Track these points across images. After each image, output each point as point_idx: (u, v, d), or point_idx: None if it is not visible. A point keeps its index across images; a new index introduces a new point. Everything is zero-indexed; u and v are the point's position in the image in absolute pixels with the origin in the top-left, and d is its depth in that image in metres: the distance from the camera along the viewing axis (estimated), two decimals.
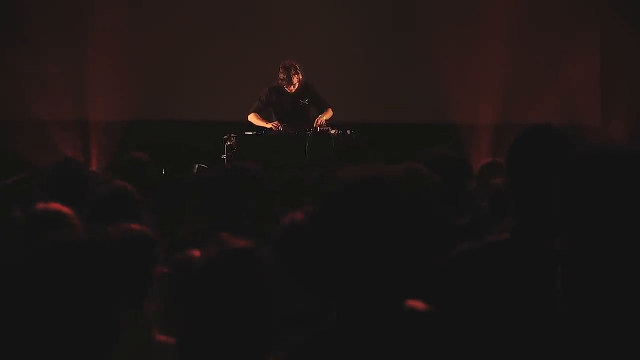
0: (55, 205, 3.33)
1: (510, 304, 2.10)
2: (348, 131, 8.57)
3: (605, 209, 1.72)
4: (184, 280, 2.26)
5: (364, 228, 1.60)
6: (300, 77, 8.76)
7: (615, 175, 1.75)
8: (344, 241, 1.61)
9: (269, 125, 8.75)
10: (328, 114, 8.71)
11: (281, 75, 8.75)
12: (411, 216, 1.59)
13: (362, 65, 10.31)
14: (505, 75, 10.35)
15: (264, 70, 9.95)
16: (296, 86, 8.77)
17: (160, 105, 10.30)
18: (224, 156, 8.69)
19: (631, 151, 1.76)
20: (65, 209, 3.29)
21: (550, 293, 1.82)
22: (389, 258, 1.58)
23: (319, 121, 8.60)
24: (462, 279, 2.21)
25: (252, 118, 8.88)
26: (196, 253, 2.56)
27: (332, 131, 8.52)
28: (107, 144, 10.21)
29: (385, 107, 10.38)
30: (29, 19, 10.03)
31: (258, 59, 10.14)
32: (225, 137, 8.73)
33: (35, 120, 9.96)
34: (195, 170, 8.98)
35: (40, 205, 3.37)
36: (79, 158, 5.49)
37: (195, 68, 10.33)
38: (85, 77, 10.17)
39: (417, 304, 1.66)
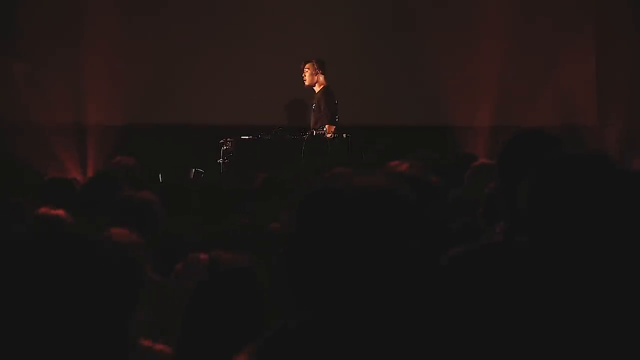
0: (54, 210, 3.37)
1: (504, 307, 2.12)
2: (344, 134, 8.60)
3: (567, 210, 1.83)
4: (182, 291, 2.29)
5: (334, 233, 1.61)
6: (308, 72, 8.84)
7: (574, 178, 1.85)
8: (313, 247, 1.62)
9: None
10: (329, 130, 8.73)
11: None
12: (387, 221, 1.60)
13: (357, 67, 10.31)
14: (501, 77, 10.36)
15: (261, 74, 9.99)
16: (307, 81, 8.87)
17: (157, 109, 10.30)
18: (220, 160, 8.71)
19: (592, 156, 1.88)
20: (63, 213, 3.33)
21: (543, 294, 1.85)
22: (361, 261, 1.59)
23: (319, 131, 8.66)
24: (456, 281, 2.23)
25: None
26: (198, 258, 2.58)
27: (328, 135, 8.55)
28: (103, 148, 10.21)
29: (380, 109, 10.38)
30: (25, 23, 10.04)
31: (255, 62, 10.16)
32: (222, 141, 8.75)
33: (32, 124, 9.96)
34: (193, 175, 9.00)
35: (41, 210, 3.41)
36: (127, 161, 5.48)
37: (191, 72, 10.33)
38: (81, 80, 10.16)
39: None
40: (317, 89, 8.90)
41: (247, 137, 8.72)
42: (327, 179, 1.67)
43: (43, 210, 3.53)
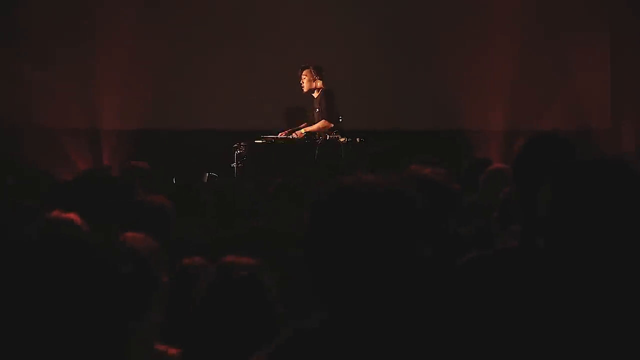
0: (68, 214, 3.38)
1: (520, 311, 2.11)
2: (357, 139, 8.60)
3: (589, 215, 1.82)
4: (188, 295, 2.28)
5: (347, 236, 1.61)
6: (306, 78, 8.88)
7: (596, 183, 1.85)
8: (329, 247, 1.62)
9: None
10: (314, 127, 8.76)
11: None
12: (396, 223, 1.61)
13: (369, 72, 10.32)
14: (514, 80, 10.34)
15: (274, 78, 10.01)
16: (305, 88, 8.91)
17: (172, 114, 10.34)
18: (234, 164, 8.72)
19: (613, 161, 1.87)
20: (77, 218, 3.33)
21: (563, 299, 1.85)
22: (375, 263, 1.59)
23: (298, 134, 8.71)
24: (471, 286, 2.22)
25: None
26: (198, 261, 2.57)
27: (342, 139, 8.55)
28: (119, 152, 10.25)
29: (393, 114, 10.38)
30: (37, 26, 10.09)
31: (269, 66, 10.19)
32: (235, 145, 8.77)
33: (44, 128, 10.01)
34: (206, 179, 9.02)
35: (53, 213, 3.42)
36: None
37: (205, 76, 10.36)
38: (95, 85, 10.22)
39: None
40: (316, 94, 8.92)
41: (260, 141, 8.73)
42: (341, 182, 1.67)
43: (55, 213, 3.54)
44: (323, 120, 8.76)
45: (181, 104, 10.33)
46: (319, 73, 8.95)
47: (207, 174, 9.08)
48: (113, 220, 3.61)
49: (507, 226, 3.16)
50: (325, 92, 8.88)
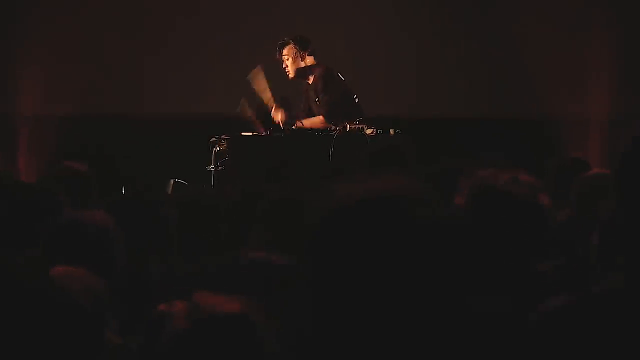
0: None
1: None
2: (391, 130, 8.58)
3: None
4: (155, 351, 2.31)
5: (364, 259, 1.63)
6: (289, 59, 8.87)
7: None
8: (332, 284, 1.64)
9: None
10: (306, 122, 8.77)
11: None
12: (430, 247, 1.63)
13: (439, 52, 10.54)
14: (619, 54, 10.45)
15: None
16: (291, 73, 8.88)
17: (113, 93, 10.45)
18: (211, 167, 8.71)
19: None
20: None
21: None
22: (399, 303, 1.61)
23: (299, 123, 8.73)
24: (555, 345, 2.23)
25: None
26: (171, 307, 2.61)
27: (368, 130, 8.54)
28: (39, 145, 10.37)
29: (463, 99, 10.52)
30: None
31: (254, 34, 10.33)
32: (213, 139, 8.75)
33: None
34: (170, 189, 9.03)
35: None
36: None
37: (165, 43, 10.49)
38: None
39: None
40: (310, 79, 8.89)
41: (249, 134, 8.72)
42: (352, 195, 1.68)
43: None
44: (320, 117, 8.75)
45: (128, 83, 10.45)
46: (304, 47, 8.90)
47: (172, 180, 9.10)
48: (31, 247, 3.63)
49: (610, 257, 3.16)
50: (325, 73, 8.85)
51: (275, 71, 8.88)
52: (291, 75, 8.92)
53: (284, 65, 8.90)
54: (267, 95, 8.88)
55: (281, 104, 8.87)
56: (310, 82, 8.92)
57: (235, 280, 2.73)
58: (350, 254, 1.63)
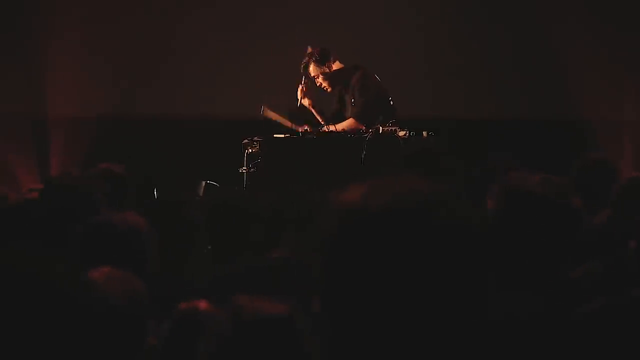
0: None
1: None
2: (424, 133, 8.57)
3: None
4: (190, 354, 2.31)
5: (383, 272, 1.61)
6: (320, 77, 8.88)
7: None
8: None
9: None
10: (339, 126, 8.76)
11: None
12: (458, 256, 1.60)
13: (469, 51, 10.56)
14: None
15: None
16: (325, 87, 8.88)
17: (144, 96, 10.51)
18: (243, 169, 8.72)
19: None
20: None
21: None
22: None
23: (334, 127, 8.70)
24: (594, 347, 2.22)
25: None
26: (202, 305, 2.62)
27: (401, 133, 8.52)
28: (71, 147, 10.43)
29: (486, 100, 10.53)
30: None
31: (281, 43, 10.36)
32: (245, 141, 8.76)
33: None
34: (203, 191, 9.06)
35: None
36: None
37: (197, 51, 10.53)
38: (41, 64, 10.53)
39: None
40: (351, 79, 8.89)
41: (282, 136, 8.72)
42: (365, 200, 1.66)
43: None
44: (351, 119, 8.75)
45: (157, 84, 10.51)
46: (325, 59, 8.89)
47: (204, 182, 9.12)
48: (67, 247, 3.65)
49: None
50: (363, 75, 8.84)
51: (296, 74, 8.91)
52: (329, 89, 8.93)
53: (317, 84, 8.91)
54: (286, 123, 8.88)
55: (303, 121, 8.89)
56: (348, 85, 8.91)
57: (266, 281, 2.73)
58: (369, 261, 1.61)
